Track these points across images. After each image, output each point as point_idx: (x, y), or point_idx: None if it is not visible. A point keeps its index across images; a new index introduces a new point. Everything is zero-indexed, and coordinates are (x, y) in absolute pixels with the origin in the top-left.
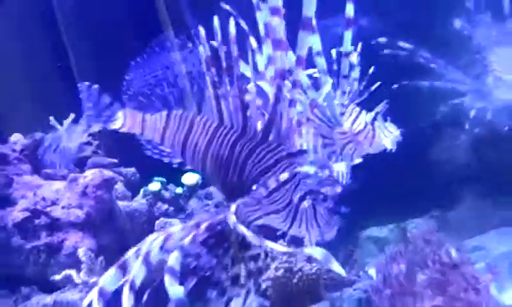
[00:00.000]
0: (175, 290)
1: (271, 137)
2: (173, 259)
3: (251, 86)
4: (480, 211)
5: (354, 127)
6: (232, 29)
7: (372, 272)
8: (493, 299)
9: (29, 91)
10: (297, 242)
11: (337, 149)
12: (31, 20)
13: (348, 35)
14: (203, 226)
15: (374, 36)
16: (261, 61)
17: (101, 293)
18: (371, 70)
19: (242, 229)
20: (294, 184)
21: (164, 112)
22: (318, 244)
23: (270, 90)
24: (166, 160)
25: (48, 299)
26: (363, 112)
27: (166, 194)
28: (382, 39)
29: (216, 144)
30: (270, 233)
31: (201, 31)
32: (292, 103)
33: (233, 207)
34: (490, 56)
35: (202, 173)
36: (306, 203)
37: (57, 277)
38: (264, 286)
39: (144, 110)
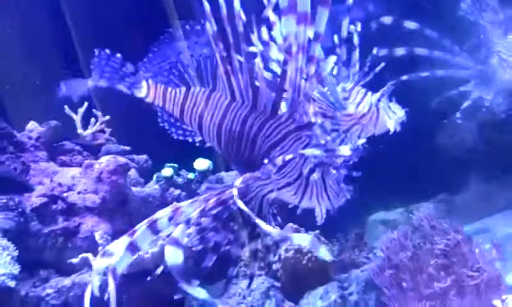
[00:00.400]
0: (172, 258)
1: (280, 112)
2: (178, 232)
3: (258, 61)
4: (487, 194)
5: (358, 110)
6: (237, 3)
7: (381, 253)
8: (498, 276)
9: (43, 80)
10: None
11: (341, 131)
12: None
13: (346, 22)
14: (212, 200)
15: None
16: (279, 34)
17: (105, 253)
18: (375, 51)
19: (241, 204)
20: (303, 157)
21: (184, 88)
22: (328, 215)
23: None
24: (189, 139)
25: (67, 281)
26: (369, 93)
27: (179, 180)
28: (386, 19)
29: (229, 119)
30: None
31: (206, 5)
32: (307, 78)
33: (237, 181)
34: (496, 39)
35: (218, 147)
36: (315, 175)
37: (75, 260)
38: (274, 267)
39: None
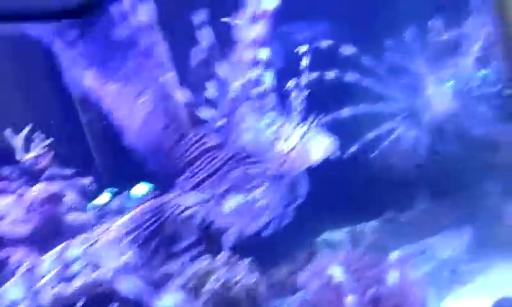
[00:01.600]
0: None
1: (197, 128)
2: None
3: (172, 75)
4: (432, 212)
5: (286, 146)
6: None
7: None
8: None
9: None
10: None
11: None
12: None
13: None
14: (121, 221)
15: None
16: None
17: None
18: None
19: None
20: (219, 176)
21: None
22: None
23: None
24: None
25: None
26: (298, 127)
27: (116, 203)
28: (325, 43)
29: (149, 127)
30: None
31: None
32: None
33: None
34: (433, 66)
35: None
36: (231, 202)
37: None
38: (204, 297)
39: None
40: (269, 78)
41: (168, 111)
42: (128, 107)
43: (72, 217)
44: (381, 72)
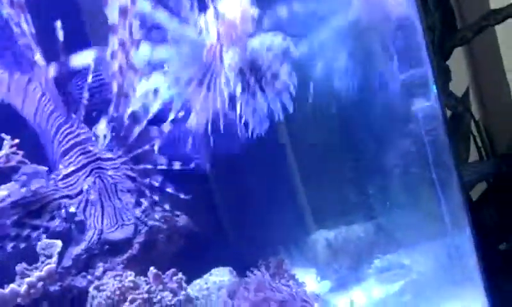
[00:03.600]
0: None
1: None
2: None
3: (38, 58)
4: (415, 219)
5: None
6: None
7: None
8: None
9: None
10: None
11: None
12: None
13: None
14: None
15: None
16: None
17: None
18: None
19: None
20: (86, 173)
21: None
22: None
23: None
24: None
25: None
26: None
27: None
28: None
29: (40, 113)
30: None
31: None
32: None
33: None
34: None
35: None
36: (92, 196)
37: None
38: None
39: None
40: None
41: (54, 96)
42: (22, 93)
43: None
44: None
